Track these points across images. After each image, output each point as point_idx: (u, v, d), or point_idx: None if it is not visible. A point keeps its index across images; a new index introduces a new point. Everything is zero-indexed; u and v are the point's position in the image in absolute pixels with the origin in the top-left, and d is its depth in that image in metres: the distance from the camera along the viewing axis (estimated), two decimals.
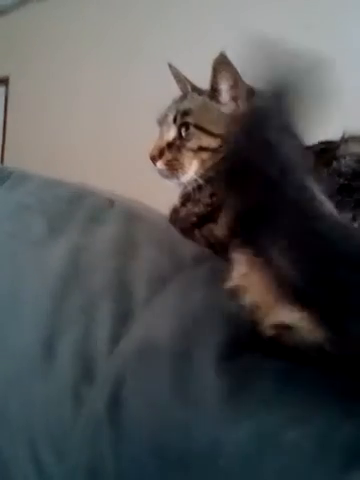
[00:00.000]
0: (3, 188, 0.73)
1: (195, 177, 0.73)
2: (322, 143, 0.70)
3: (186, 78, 0.83)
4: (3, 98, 2.66)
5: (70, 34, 2.30)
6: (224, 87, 0.73)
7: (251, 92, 0.74)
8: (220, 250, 0.65)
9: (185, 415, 0.40)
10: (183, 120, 0.75)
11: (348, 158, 0.56)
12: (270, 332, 0.45)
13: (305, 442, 0.34)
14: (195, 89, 0.81)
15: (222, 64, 0.71)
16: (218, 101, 0.74)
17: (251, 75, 0.72)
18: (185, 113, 0.76)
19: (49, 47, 2.40)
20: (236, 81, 0.72)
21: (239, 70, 0.72)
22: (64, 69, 2.31)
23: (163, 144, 0.77)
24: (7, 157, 2.58)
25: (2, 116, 2.68)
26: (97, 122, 2.12)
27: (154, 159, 0.76)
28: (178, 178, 0.76)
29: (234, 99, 0.74)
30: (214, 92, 0.74)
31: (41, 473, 0.46)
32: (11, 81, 2.62)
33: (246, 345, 0.44)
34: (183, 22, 1.80)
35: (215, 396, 0.39)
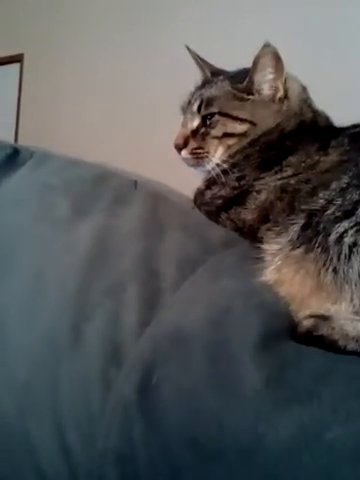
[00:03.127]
0: (26, 167, 0.71)
1: (220, 163, 0.72)
2: (356, 126, 0.67)
3: (205, 61, 0.81)
4: (18, 76, 2.63)
5: (88, 10, 2.26)
6: (265, 79, 0.71)
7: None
8: (248, 234, 0.64)
9: (220, 405, 0.39)
10: (207, 110, 0.74)
11: None
12: (307, 323, 0.44)
13: (350, 440, 0.33)
14: (217, 72, 0.79)
15: (267, 58, 0.69)
16: (250, 90, 0.72)
17: None
18: (209, 102, 0.74)
19: (65, 24, 2.36)
20: (279, 72, 0.70)
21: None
22: (81, 47, 2.28)
23: (188, 132, 0.75)
24: (21, 136, 2.57)
25: (17, 94, 2.66)
26: (114, 100, 2.09)
27: (179, 148, 0.75)
28: (204, 166, 0.74)
29: (272, 86, 0.72)
30: (252, 83, 0.71)
31: (68, 458, 0.45)
32: (26, 58, 2.59)
33: (283, 336, 0.43)
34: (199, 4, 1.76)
35: (252, 387, 0.38)
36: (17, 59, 2.61)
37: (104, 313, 0.51)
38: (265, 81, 0.71)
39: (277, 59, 0.69)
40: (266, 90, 0.71)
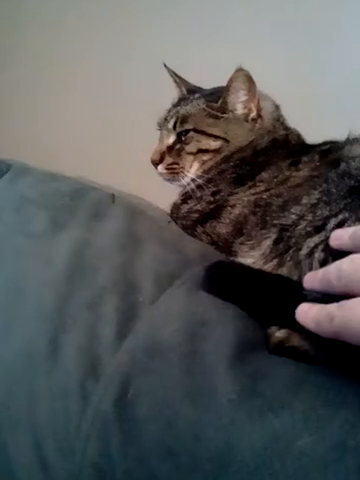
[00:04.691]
0: (4, 180, 0.71)
1: (195, 178, 0.74)
2: (326, 143, 0.70)
3: (182, 78, 0.84)
4: None
5: (65, 22, 2.27)
6: (238, 101, 0.74)
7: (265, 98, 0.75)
8: (223, 248, 0.65)
9: (195, 416, 0.40)
10: (182, 128, 0.76)
11: (358, 160, 0.56)
12: (279, 334, 0.45)
13: (319, 447, 0.34)
14: (191, 90, 0.82)
15: (239, 81, 0.72)
16: (225, 109, 0.74)
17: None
18: (184, 119, 0.77)
19: (44, 32, 2.37)
20: (252, 95, 0.73)
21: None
22: (58, 55, 2.28)
23: (163, 148, 0.78)
24: None
25: None
26: (91, 113, 2.10)
27: (155, 163, 0.77)
28: (179, 181, 0.77)
29: (245, 107, 0.74)
30: (226, 104, 0.74)
31: (46, 471, 0.45)
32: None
33: (257, 347, 0.44)
34: (182, 14, 1.79)
35: (227, 398, 0.39)
36: None
37: (82, 326, 0.51)
38: (238, 102, 0.73)
39: (250, 82, 0.71)
40: (240, 110, 0.74)
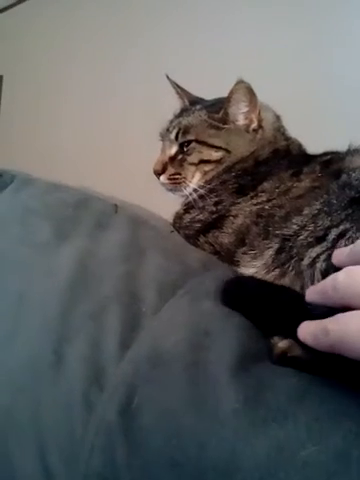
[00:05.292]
0: (8, 191, 0.72)
1: (198, 188, 0.75)
2: (327, 154, 0.71)
3: (184, 89, 0.85)
4: None
5: (65, 33, 2.29)
6: (239, 112, 0.75)
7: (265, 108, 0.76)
8: (226, 257, 0.66)
9: (200, 425, 0.40)
10: (184, 138, 0.77)
11: (359, 171, 0.57)
12: (282, 345, 0.46)
13: (323, 457, 0.34)
14: (193, 101, 0.82)
15: (240, 93, 0.73)
16: (226, 120, 0.75)
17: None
18: (186, 130, 0.77)
19: (43, 46, 2.39)
20: (253, 107, 0.74)
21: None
22: (59, 68, 2.30)
23: (166, 159, 0.79)
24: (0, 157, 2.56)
25: None
26: (93, 122, 2.11)
27: (158, 173, 0.78)
28: (181, 191, 0.77)
29: (246, 118, 0.75)
30: (227, 115, 0.75)
31: None
32: (5, 80, 2.60)
33: (260, 357, 0.45)
34: (178, 23, 1.81)
35: (231, 408, 0.39)
36: None
37: (86, 336, 0.52)
38: (239, 113, 0.74)
39: (251, 94, 0.72)
40: (241, 121, 0.74)
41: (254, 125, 0.75)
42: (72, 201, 0.70)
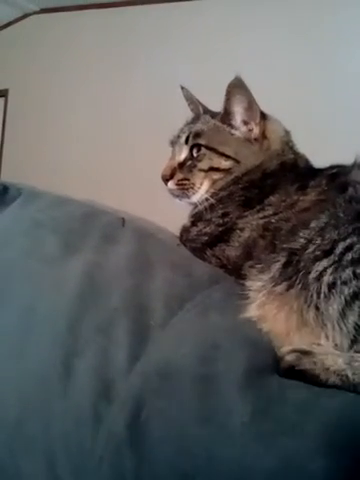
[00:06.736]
0: (15, 205, 0.73)
1: (206, 196, 0.75)
2: (333, 167, 0.71)
3: (198, 101, 0.85)
4: (2, 111, 2.67)
5: (70, 48, 2.33)
6: (238, 110, 0.75)
7: (263, 116, 0.76)
8: (232, 271, 0.66)
9: (209, 438, 0.40)
10: (195, 141, 0.77)
11: None
12: (290, 358, 0.46)
13: (333, 473, 0.34)
14: (207, 111, 0.83)
15: (236, 88, 0.73)
16: (230, 124, 0.76)
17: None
18: (197, 134, 0.77)
19: (49, 60, 2.42)
20: (250, 104, 0.74)
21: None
22: (63, 82, 2.33)
23: (175, 164, 0.79)
24: (4, 171, 2.58)
25: (1, 127, 2.69)
26: (96, 135, 2.13)
27: (166, 179, 0.78)
28: (189, 197, 0.77)
29: (246, 123, 0.76)
30: (227, 115, 0.76)
31: None
32: (10, 94, 2.64)
33: (268, 371, 0.45)
34: (184, 37, 1.83)
35: (239, 420, 0.40)
36: (2, 94, 2.66)
37: (94, 349, 0.52)
38: (239, 108, 0.75)
39: (244, 88, 0.73)
40: (240, 117, 0.76)
41: (255, 134, 0.75)
42: (79, 214, 0.71)
